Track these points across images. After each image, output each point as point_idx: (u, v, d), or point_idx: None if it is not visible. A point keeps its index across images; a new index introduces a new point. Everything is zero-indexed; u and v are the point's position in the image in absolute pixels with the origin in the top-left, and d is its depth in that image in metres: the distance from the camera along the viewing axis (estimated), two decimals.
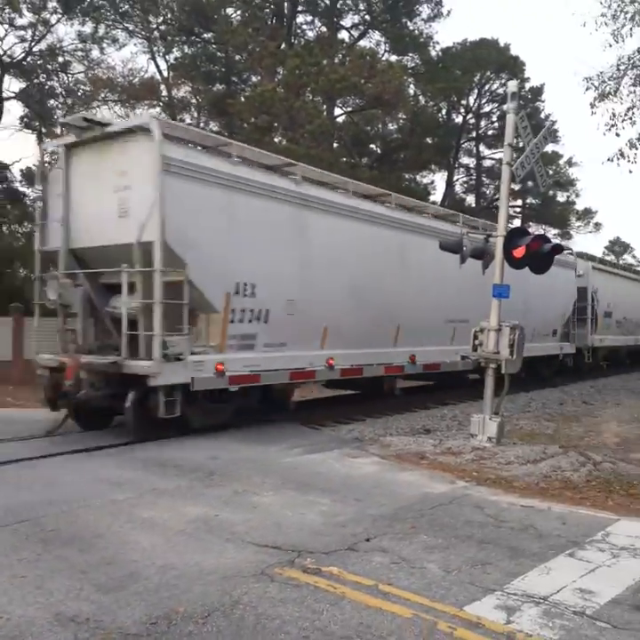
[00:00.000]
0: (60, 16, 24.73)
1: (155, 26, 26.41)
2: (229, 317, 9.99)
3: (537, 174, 10.81)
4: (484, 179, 40.28)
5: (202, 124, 31.09)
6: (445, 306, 14.16)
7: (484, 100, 37.30)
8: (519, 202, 39.07)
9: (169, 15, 26.48)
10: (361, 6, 29.45)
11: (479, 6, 69.50)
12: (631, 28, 14.10)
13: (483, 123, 38.43)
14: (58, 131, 25.31)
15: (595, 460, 8.62)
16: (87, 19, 25.00)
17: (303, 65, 22.74)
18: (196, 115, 30.17)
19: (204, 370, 9.65)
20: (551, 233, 38.25)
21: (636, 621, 4.14)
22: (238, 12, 27.35)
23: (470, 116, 37.52)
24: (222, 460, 8.49)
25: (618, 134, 14.07)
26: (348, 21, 30.22)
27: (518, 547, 5.47)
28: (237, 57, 26.83)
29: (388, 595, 4.48)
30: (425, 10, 29.99)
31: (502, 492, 7.32)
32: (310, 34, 30.10)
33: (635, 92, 14.39)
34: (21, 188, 25.97)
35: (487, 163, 39.75)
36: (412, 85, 31.52)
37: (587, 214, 41.91)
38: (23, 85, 25.11)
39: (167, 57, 27.78)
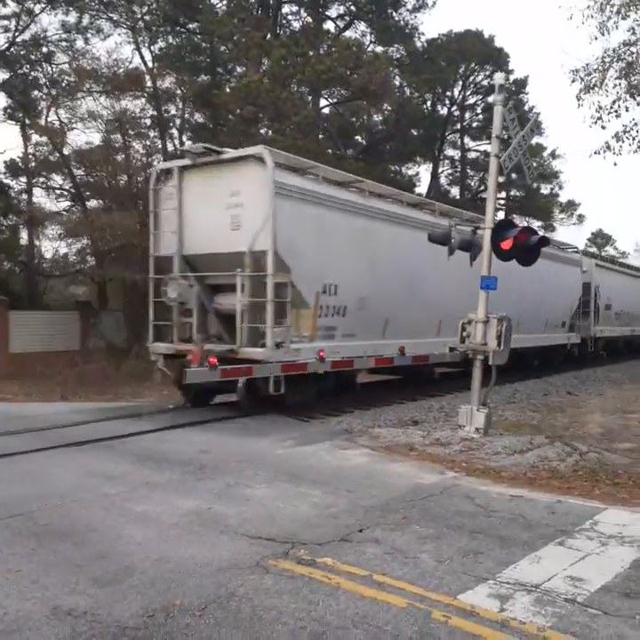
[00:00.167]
0: (43, 5, 24.28)
1: (139, 16, 26.01)
2: (318, 313, 11.83)
3: (524, 166, 10.86)
4: (469, 171, 40.35)
5: (187, 115, 30.90)
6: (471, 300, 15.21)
7: (468, 92, 37.29)
8: (503, 194, 39.19)
9: (153, 5, 26.08)
10: None
11: None
12: (616, 22, 14.17)
13: (467, 115, 38.45)
14: (42, 122, 25.06)
15: (581, 451, 8.74)
16: (71, 8, 24.56)
17: (289, 56, 22.61)
18: (180, 106, 29.91)
19: (307, 356, 11.56)
20: (535, 225, 38.33)
21: (626, 608, 4.23)
22: (223, 2, 27.07)
23: (455, 107, 37.51)
24: (213, 454, 8.52)
25: (604, 127, 14.17)
26: (333, 12, 30.06)
27: (509, 536, 5.55)
28: (223, 47, 26.57)
29: (383, 585, 4.54)
30: (410, 0, 29.92)
31: (491, 482, 7.42)
32: (296, 24, 29.94)
33: (620, 84, 14.49)
34: (5, 180, 25.66)
35: (472, 154, 39.84)
36: (397, 77, 31.49)
37: (570, 206, 42.10)
38: (6, 76, 24.72)
39: (152, 47, 27.39)
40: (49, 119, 25.55)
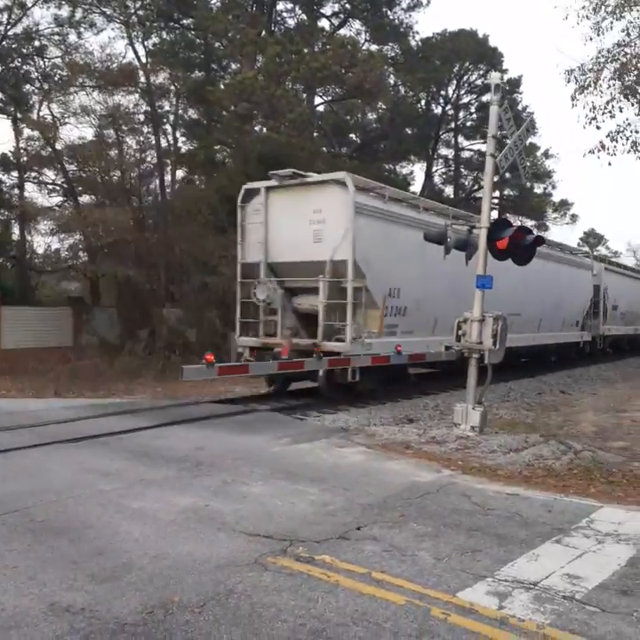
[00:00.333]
0: None
1: (133, 11, 25.82)
2: (385, 312, 13.44)
3: (520, 166, 10.90)
4: (463, 170, 40.43)
5: (180, 111, 30.77)
6: (503, 302, 17.16)
7: (462, 91, 37.34)
8: (497, 193, 39.30)
9: (147, 0, 26.03)
10: None
11: None
12: (611, 22, 14.20)
13: (461, 114, 38.52)
14: (34, 116, 24.89)
15: (575, 449, 8.78)
16: (64, 2, 24.35)
17: (284, 53, 22.54)
18: (174, 101, 29.78)
19: (377, 349, 13.11)
20: (528, 224, 38.47)
21: (624, 605, 4.25)
22: None
23: (449, 106, 37.57)
24: (209, 451, 8.50)
25: (598, 127, 14.18)
26: (328, 9, 29.97)
27: (506, 534, 5.57)
28: (217, 44, 26.46)
29: (382, 582, 4.54)
30: None
31: (487, 480, 7.44)
32: (290, 22, 29.84)
33: (614, 85, 14.52)
34: None
35: (465, 154, 39.91)
36: (391, 75, 31.46)
37: (563, 206, 42.20)
38: None
39: (145, 43, 27.22)
40: (41, 113, 25.40)
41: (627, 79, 14.42)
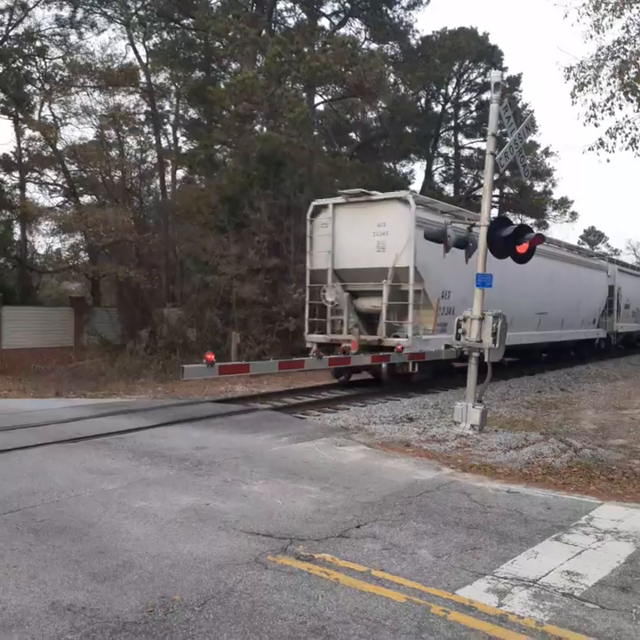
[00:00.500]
0: None
1: (133, 11, 25.94)
2: (438, 312, 14.75)
3: (520, 164, 10.89)
4: (463, 168, 40.41)
5: (181, 111, 30.81)
6: (535, 302, 19.35)
7: (462, 90, 37.34)
8: (497, 191, 39.27)
9: (148, 0, 26.06)
10: None
11: None
12: (611, 20, 14.19)
13: (461, 112, 38.50)
14: (35, 117, 24.92)
15: (575, 447, 8.78)
16: (65, 3, 24.50)
17: (284, 52, 22.55)
18: (175, 101, 29.83)
19: (433, 345, 14.43)
20: (528, 222, 38.47)
21: (623, 602, 4.27)
22: None
23: (449, 105, 37.57)
24: (210, 450, 8.51)
25: (597, 125, 14.21)
26: (328, 8, 30.00)
27: (506, 531, 5.59)
28: (217, 43, 26.48)
29: (382, 580, 4.56)
30: None
31: (487, 478, 7.45)
32: (291, 21, 29.89)
33: (614, 82, 14.51)
34: None
35: (466, 152, 39.89)
36: (391, 74, 31.46)
37: (563, 204, 42.13)
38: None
39: (146, 43, 27.36)
40: (42, 114, 25.49)
41: (626, 77, 14.42)
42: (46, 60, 25.27)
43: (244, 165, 23.06)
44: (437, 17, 54.02)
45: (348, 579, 4.57)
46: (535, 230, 15.08)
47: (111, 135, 26.21)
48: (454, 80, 36.33)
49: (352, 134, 36.04)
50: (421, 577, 4.62)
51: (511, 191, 40.06)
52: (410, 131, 33.84)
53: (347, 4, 29.58)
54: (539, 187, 40.48)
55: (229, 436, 9.65)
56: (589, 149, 13.95)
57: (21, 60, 24.69)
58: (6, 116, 25.13)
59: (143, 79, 26.36)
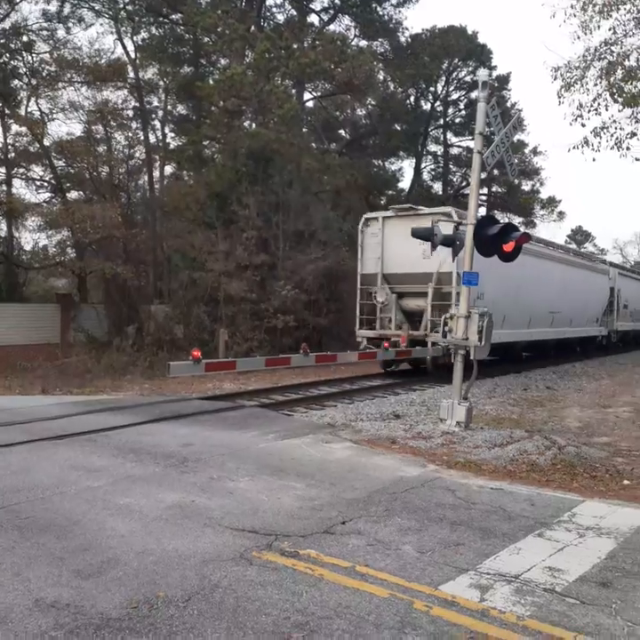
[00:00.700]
0: None
1: (122, 6, 25.77)
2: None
3: (507, 163, 10.94)
4: (452, 166, 40.52)
5: (169, 107, 30.67)
6: (550, 301, 21.42)
7: (451, 88, 37.40)
8: (485, 190, 39.41)
9: None
10: None
11: None
12: (598, 21, 14.26)
13: (450, 110, 38.58)
14: (22, 112, 24.70)
15: (559, 444, 8.86)
16: None
17: (273, 48, 22.53)
18: (163, 97, 29.69)
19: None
20: (516, 221, 38.65)
21: (603, 597, 4.33)
22: None
23: (438, 103, 37.64)
24: (196, 447, 8.51)
25: (583, 125, 14.31)
26: (317, 5, 29.95)
27: (489, 528, 5.64)
28: (206, 39, 26.40)
29: (366, 576, 4.60)
30: None
31: (472, 474, 7.51)
32: (280, 17, 29.81)
33: (600, 83, 14.59)
34: None
35: (454, 150, 40.01)
36: (381, 71, 31.49)
37: (551, 203, 42.34)
38: None
39: (134, 38, 27.18)
40: (29, 109, 25.27)
41: (613, 78, 14.52)
42: (33, 55, 25.05)
43: (233, 161, 23.02)
44: (427, 15, 54.14)
45: (332, 574, 4.60)
46: (522, 229, 15.30)
47: (99, 131, 26.07)
48: (443, 78, 36.40)
49: (341, 131, 36.06)
50: (405, 572, 4.66)
51: (499, 190, 40.24)
52: (399, 128, 33.89)
53: (336, 1, 29.58)
54: (526, 186, 40.70)
55: (216, 432, 9.65)
56: (574, 148, 14.05)
57: (8, 55, 24.43)
58: None
59: (131, 74, 26.23)
